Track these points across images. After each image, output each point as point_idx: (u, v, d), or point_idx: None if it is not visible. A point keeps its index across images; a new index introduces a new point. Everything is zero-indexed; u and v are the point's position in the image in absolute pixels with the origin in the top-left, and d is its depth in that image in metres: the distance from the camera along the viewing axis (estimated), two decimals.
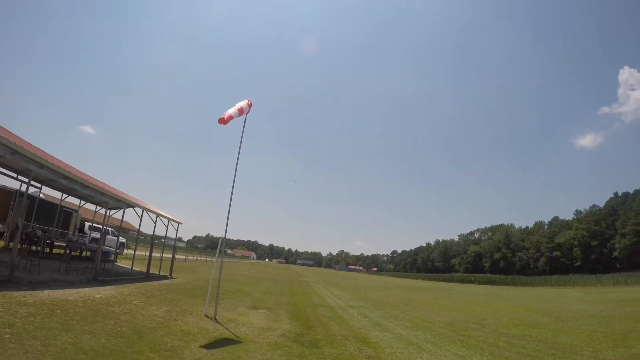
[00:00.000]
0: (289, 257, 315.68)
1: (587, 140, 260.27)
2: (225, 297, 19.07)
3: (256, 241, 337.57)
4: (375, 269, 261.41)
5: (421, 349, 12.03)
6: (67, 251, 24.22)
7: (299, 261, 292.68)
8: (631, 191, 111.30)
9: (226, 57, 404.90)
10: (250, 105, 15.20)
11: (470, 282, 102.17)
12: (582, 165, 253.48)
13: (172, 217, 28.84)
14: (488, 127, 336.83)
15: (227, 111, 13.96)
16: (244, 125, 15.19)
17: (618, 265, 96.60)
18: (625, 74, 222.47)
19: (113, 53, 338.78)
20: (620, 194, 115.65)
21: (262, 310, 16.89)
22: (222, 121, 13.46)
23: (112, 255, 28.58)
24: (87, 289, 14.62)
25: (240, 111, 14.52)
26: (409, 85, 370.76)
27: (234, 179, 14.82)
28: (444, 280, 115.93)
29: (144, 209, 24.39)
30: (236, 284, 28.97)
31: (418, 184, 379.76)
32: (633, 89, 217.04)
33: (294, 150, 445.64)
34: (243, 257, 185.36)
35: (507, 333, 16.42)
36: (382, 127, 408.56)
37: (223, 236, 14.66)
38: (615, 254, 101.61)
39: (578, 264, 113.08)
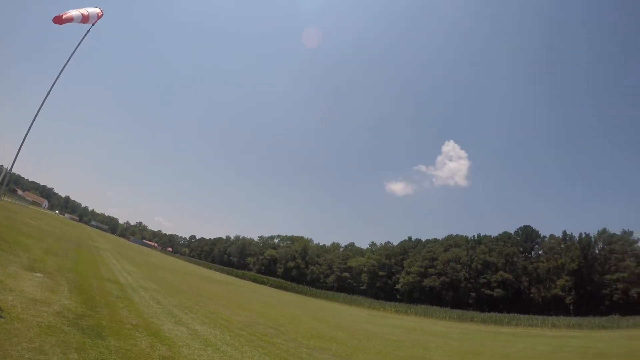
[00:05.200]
0: (83, 215, 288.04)
1: (397, 187, 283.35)
2: None
3: (52, 189, 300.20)
4: (170, 249, 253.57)
5: (221, 353, 10.87)
6: None
7: (93, 222, 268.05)
8: (423, 239, 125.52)
9: None
10: (100, 16, 12.22)
11: (263, 283, 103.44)
12: (387, 206, 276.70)
13: None
14: (318, 145, 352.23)
15: (69, 11, 11.09)
16: (84, 36, 12.12)
17: (398, 297, 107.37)
18: (449, 146, 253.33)
19: None
20: (413, 238, 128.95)
21: (39, 274, 13.89)
22: (58, 20, 10.61)
23: None
24: None
25: (85, 18, 11.57)
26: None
27: (45, 98, 11.49)
28: (237, 275, 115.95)
29: None
30: (15, 234, 24.23)
31: (233, 176, 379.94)
32: (450, 160, 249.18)
33: (126, 108, 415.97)
34: (34, 202, 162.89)
35: (307, 344, 16.00)
36: (217, 111, 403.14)
37: (9, 168, 11.50)
38: (398, 286, 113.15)
39: (364, 287, 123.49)
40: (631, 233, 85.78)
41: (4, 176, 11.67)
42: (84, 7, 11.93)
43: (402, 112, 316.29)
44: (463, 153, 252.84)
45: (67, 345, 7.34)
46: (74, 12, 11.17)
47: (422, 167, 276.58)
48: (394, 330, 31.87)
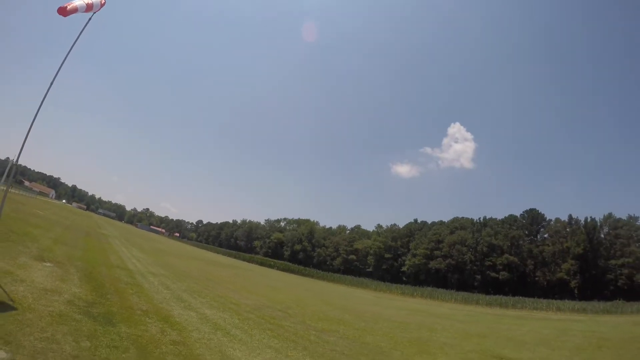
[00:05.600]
0: (91, 203, 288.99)
1: (403, 169, 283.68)
2: (6, 240, 15.78)
3: (59, 178, 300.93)
4: (177, 234, 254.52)
5: (231, 336, 10.99)
6: None
7: (100, 210, 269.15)
8: (429, 221, 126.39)
9: None
10: (103, 4, 12.00)
11: (270, 266, 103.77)
12: (393, 188, 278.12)
13: None
14: (324, 128, 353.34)
15: (73, 1, 10.85)
16: (86, 24, 11.86)
17: (404, 279, 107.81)
18: (455, 128, 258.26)
19: None
20: (419, 221, 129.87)
21: (49, 264, 14.04)
22: (63, 11, 10.41)
23: None
24: None
25: (89, 7, 11.31)
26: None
27: (49, 88, 11.27)
28: (244, 259, 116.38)
29: None
30: (24, 225, 24.44)
31: (240, 161, 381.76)
32: (456, 142, 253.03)
33: (129, 95, 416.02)
34: (41, 193, 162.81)
35: (315, 327, 16.14)
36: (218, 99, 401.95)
37: (15, 160, 11.42)
38: (404, 269, 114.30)
39: (370, 270, 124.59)
40: (637, 218, 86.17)
41: (11, 168, 11.64)
42: None
43: (408, 94, 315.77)
44: (469, 135, 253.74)
45: (78, 333, 7.46)
46: (78, 2, 10.97)
47: (428, 149, 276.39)
48: (400, 312, 32.09)
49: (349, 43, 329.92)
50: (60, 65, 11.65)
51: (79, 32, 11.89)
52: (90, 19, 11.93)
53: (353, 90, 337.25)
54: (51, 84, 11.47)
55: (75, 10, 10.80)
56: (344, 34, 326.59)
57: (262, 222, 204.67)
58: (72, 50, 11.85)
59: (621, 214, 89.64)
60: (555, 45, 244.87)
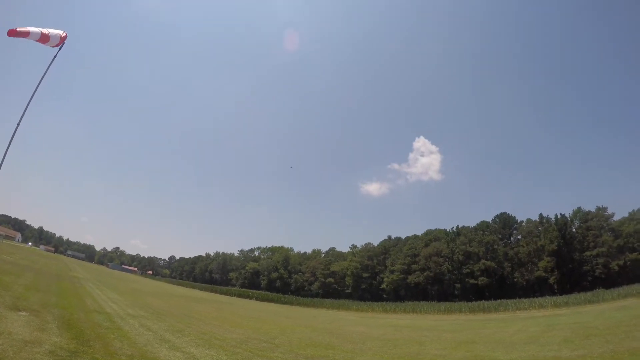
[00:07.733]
0: (59, 245, 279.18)
1: (373, 187, 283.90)
2: None
3: (25, 220, 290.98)
4: (151, 272, 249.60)
5: None
6: None
7: (69, 252, 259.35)
8: (403, 237, 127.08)
9: None
10: (63, 38, 11.79)
11: (248, 297, 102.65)
12: (364, 208, 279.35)
13: None
14: (290, 154, 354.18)
15: (28, 27, 10.63)
16: (53, 60, 11.51)
17: (385, 296, 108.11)
18: (420, 142, 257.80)
19: None
20: (393, 237, 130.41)
21: (24, 313, 13.47)
22: (13, 32, 10.15)
23: None
24: None
25: (45, 37, 11.14)
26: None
27: (15, 131, 11.07)
28: (221, 292, 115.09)
29: None
30: None
31: (207, 191, 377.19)
32: (422, 155, 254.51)
33: (92, 131, 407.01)
34: (7, 237, 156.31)
35: (304, 354, 15.90)
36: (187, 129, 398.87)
37: None
38: (383, 286, 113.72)
39: (349, 291, 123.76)
40: (605, 209, 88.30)
41: None
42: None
43: (371, 113, 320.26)
44: (434, 148, 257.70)
45: None
46: (32, 29, 10.70)
47: (395, 165, 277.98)
48: (387, 330, 31.94)
49: (311, 65, 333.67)
50: (26, 105, 11.33)
51: (46, 69, 11.60)
52: (55, 56, 11.69)
53: (316, 112, 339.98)
54: (18, 124, 11.12)
55: (26, 34, 10.60)
56: (307, 55, 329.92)
57: (236, 253, 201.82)
58: (38, 88, 11.52)
59: (590, 207, 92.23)
60: (513, 50, 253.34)
